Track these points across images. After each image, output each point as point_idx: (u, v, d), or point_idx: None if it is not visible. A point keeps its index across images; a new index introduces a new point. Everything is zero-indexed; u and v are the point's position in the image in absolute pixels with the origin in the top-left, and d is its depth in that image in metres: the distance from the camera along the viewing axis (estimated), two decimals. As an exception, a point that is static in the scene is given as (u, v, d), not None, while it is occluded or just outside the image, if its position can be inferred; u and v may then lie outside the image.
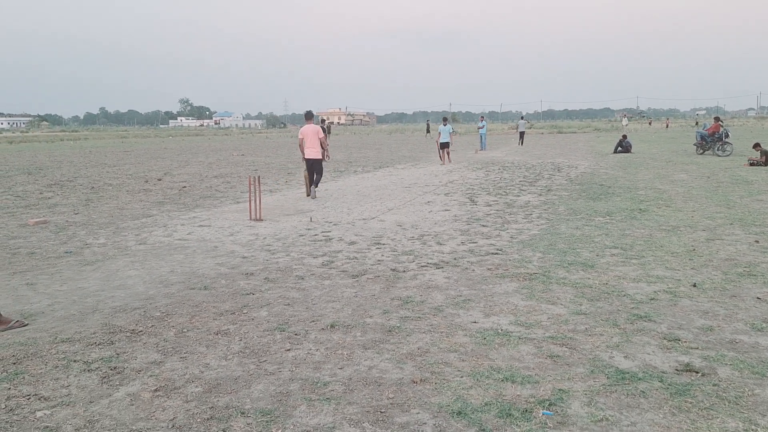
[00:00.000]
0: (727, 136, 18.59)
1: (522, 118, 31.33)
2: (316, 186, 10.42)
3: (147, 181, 13.68)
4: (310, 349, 3.42)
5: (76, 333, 3.74)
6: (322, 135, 10.38)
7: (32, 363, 3.27)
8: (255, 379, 3.04)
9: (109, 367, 3.21)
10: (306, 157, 10.31)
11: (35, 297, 4.58)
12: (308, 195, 10.38)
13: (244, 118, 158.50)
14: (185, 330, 3.78)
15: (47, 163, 19.71)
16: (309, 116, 10.71)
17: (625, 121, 55.13)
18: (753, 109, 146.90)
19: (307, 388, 2.92)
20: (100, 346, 3.51)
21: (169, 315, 4.08)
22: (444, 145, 18.09)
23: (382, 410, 2.70)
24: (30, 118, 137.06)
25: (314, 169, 10.32)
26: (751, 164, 14.53)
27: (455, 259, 5.59)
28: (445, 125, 18.26)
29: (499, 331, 3.65)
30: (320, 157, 10.28)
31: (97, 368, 3.19)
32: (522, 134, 28.95)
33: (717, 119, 20.23)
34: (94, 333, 3.74)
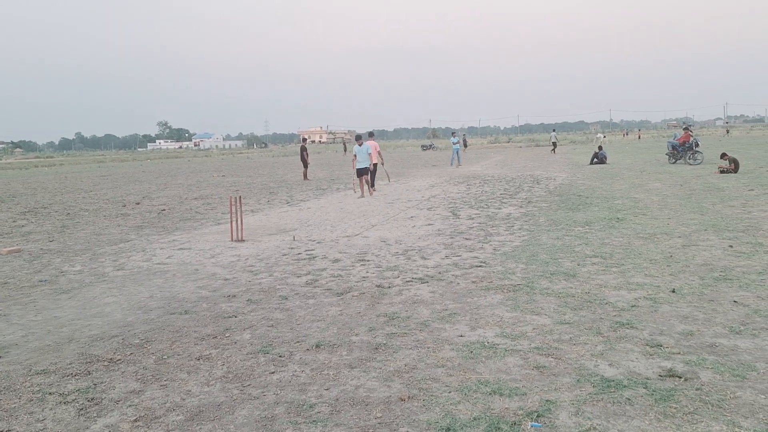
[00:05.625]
0: (697, 145, 19.21)
1: (554, 130, 39.66)
2: (373, 184, 14.32)
3: (125, 206, 13.45)
4: (295, 371, 3.36)
5: (51, 364, 3.61)
6: (378, 149, 14.86)
7: (5, 397, 3.15)
8: (239, 404, 2.97)
9: (87, 398, 3.10)
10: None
11: (8, 328, 4.43)
12: (366, 195, 13.74)
13: (224, 139, 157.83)
14: (165, 356, 3.68)
15: (21, 191, 19.24)
16: (370, 135, 15.23)
17: (600, 135, 56.99)
18: (720, 118, 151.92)
19: (293, 411, 2.87)
20: (76, 377, 3.39)
21: (149, 342, 3.98)
22: (361, 172, 13.47)
23: (370, 430, 2.66)
24: (3, 145, 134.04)
25: (372, 173, 14.24)
26: (722, 172, 14.98)
27: (440, 273, 5.60)
28: (360, 146, 13.64)
29: (486, 343, 3.65)
30: (377, 162, 14.51)
31: (73, 400, 3.08)
32: (554, 144, 35.44)
33: (687, 129, 20.91)
34: (70, 363, 3.62)
